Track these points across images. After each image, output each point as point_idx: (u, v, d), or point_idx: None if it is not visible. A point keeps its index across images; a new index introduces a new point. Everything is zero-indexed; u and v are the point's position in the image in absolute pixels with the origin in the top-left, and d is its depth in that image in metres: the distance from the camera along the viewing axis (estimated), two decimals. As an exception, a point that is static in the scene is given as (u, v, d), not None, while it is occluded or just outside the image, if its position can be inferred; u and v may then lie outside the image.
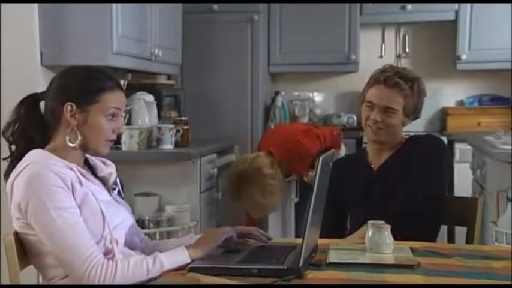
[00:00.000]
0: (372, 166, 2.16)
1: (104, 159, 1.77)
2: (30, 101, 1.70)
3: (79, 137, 1.62)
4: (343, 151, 3.59)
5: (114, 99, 1.65)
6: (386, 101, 2.06)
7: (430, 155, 2.09)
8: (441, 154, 2.14)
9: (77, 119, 1.62)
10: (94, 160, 1.76)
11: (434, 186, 2.08)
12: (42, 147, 1.65)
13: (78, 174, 1.60)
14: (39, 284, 1.67)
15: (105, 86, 1.65)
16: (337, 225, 2.15)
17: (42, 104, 1.70)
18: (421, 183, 2.05)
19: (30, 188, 1.53)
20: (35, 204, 1.52)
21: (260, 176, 3.24)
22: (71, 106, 1.62)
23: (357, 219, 2.13)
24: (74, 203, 1.55)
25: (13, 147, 1.68)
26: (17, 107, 1.69)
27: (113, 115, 1.65)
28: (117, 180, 1.77)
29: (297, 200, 3.57)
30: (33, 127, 1.67)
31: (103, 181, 1.73)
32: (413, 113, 2.13)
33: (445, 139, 4.33)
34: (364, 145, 2.28)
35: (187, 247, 1.60)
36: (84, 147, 1.66)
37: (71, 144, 1.63)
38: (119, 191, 1.78)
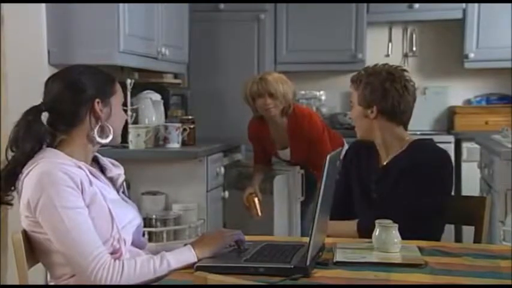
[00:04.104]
0: (379, 164, 2.19)
1: (113, 161, 1.79)
2: (32, 115, 1.62)
3: (111, 130, 1.66)
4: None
5: (120, 89, 1.73)
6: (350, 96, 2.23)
7: (433, 167, 2.08)
8: (445, 168, 2.12)
9: (104, 113, 1.65)
10: (104, 160, 1.76)
11: (433, 197, 2.06)
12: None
13: (88, 173, 1.61)
14: (48, 282, 1.67)
15: (113, 77, 1.72)
16: (344, 208, 2.18)
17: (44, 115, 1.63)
18: (418, 193, 2.04)
19: (40, 186, 1.53)
20: (44, 203, 1.53)
21: None
22: (98, 103, 1.64)
23: (359, 210, 2.18)
24: (82, 203, 1.55)
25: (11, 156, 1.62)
26: (16, 128, 1.61)
27: (123, 104, 1.74)
28: (124, 183, 1.78)
29: (302, 198, 3.57)
30: (36, 142, 1.61)
31: (111, 181, 1.74)
32: (370, 104, 2.13)
33: (452, 138, 4.34)
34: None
35: (194, 246, 1.60)
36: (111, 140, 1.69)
37: (103, 141, 1.65)
38: (123, 192, 1.78)
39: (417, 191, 2.05)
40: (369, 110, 2.14)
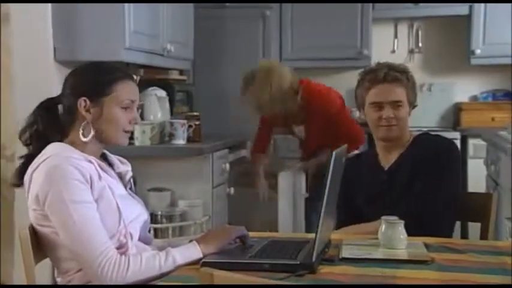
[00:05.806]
0: (382, 165, 2.17)
1: (121, 158, 1.79)
2: (47, 105, 1.71)
3: (92, 132, 1.64)
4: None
5: (126, 89, 1.67)
6: (394, 96, 2.11)
7: (444, 158, 2.09)
8: (456, 157, 2.14)
9: (92, 113, 1.64)
10: (112, 157, 1.77)
11: (448, 188, 2.08)
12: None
13: (97, 167, 1.61)
14: (55, 277, 1.68)
15: (116, 77, 1.67)
16: (350, 222, 2.15)
17: (59, 107, 1.72)
18: (435, 186, 2.05)
19: (50, 180, 1.54)
20: (53, 197, 1.53)
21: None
22: (85, 101, 1.63)
23: (369, 218, 2.13)
24: (91, 197, 1.56)
25: (30, 148, 1.69)
26: (35, 111, 1.70)
27: (127, 106, 1.67)
28: (131, 180, 1.78)
29: (307, 195, 3.57)
30: (51, 129, 1.68)
31: (120, 176, 1.75)
32: (414, 101, 2.18)
33: (458, 134, 4.32)
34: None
35: (199, 242, 1.60)
36: (103, 141, 1.68)
37: (84, 139, 1.64)
38: (130, 188, 1.78)
39: (442, 183, 2.05)
40: (411, 108, 2.16)
